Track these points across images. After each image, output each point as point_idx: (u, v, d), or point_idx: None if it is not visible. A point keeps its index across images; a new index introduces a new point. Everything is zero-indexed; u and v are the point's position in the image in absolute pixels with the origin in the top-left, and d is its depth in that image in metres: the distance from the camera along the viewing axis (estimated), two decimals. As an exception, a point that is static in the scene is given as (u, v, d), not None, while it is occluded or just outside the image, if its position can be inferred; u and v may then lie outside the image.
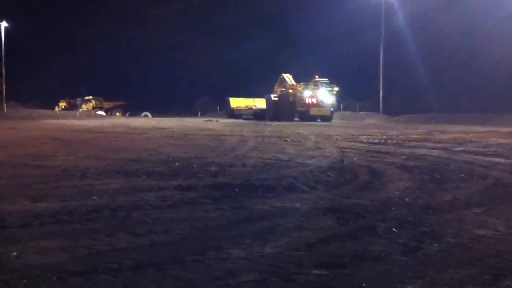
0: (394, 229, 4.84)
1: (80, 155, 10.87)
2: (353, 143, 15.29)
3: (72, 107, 65.87)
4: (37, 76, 75.13)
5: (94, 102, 66.27)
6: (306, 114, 41.33)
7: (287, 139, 16.69)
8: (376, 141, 16.46)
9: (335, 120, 42.31)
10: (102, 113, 61.15)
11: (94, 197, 6.18)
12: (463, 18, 46.17)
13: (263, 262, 3.85)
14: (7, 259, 3.85)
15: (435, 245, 4.36)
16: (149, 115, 59.31)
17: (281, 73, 46.54)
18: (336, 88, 42.44)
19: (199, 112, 63.90)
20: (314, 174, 8.29)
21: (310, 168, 9.06)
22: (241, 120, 41.97)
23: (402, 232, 4.77)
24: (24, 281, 3.42)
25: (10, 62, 58.49)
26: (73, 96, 69.76)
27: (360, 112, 49.99)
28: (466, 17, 45.65)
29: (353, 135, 19.86)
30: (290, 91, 43.56)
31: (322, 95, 41.67)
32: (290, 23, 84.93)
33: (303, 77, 44.54)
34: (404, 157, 11.09)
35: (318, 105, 41.46)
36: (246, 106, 50.30)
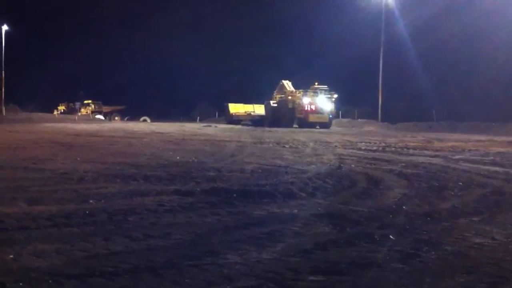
0: (391, 236, 4.84)
1: (78, 158, 10.87)
2: (351, 150, 15.30)
3: (71, 111, 65.76)
4: (36, 80, 75.04)
5: (93, 106, 66.24)
6: (304, 120, 41.34)
7: (285, 146, 16.69)
8: (375, 148, 16.47)
9: (334, 127, 42.30)
10: (101, 117, 61.09)
11: (91, 201, 6.18)
12: (465, 26, 46.26)
13: (260, 268, 3.85)
14: (4, 262, 3.85)
15: (432, 252, 4.36)
16: (148, 119, 59.25)
17: (281, 79, 46.60)
18: (335, 95, 42.49)
19: (198, 118, 63.88)
20: (312, 181, 8.29)
21: (308, 174, 9.06)
22: (240, 126, 41.97)
23: (399, 239, 4.77)
24: (21, 284, 3.42)
25: (10, 65, 58.61)
26: (73, 100, 69.70)
27: (359, 119, 49.93)
28: (468, 26, 45.74)
29: (352, 142, 19.86)
30: (289, 97, 43.60)
31: (321, 102, 41.71)
32: (290, 30, 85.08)
33: (303, 84, 44.61)
34: (402, 164, 11.09)
35: (317, 112, 41.48)
36: (245, 112, 50.29)
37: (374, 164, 11.07)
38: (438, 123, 41.21)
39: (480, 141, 22.05)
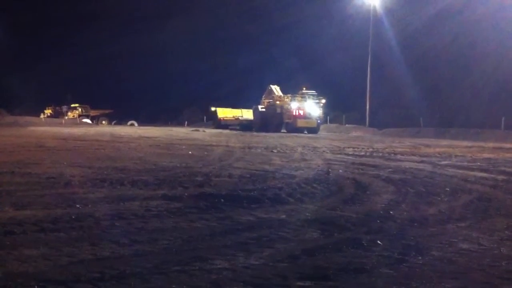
0: (378, 242, 4.85)
1: (65, 163, 10.80)
2: (339, 155, 15.34)
3: (57, 114, 65.36)
4: (24, 83, 74.58)
5: (80, 109, 65.87)
6: (293, 125, 41.44)
7: (273, 150, 16.70)
8: (362, 153, 16.53)
9: (322, 132, 42.42)
10: (88, 121, 60.81)
11: (78, 206, 6.13)
12: (454, 34, 46.58)
13: (247, 273, 3.84)
14: (-11, 267, 3.81)
15: (419, 258, 4.38)
16: (135, 123, 59.09)
17: (269, 84, 46.65)
18: (323, 100, 42.63)
19: (186, 122, 63.77)
20: (300, 186, 8.29)
21: (296, 179, 9.07)
22: (228, 131, 41.93)
23: (386, 244, 4.79)
24: (5, 289, 3.39)
25: (-4, 68, 58.24)
26: (60, 103, 69.30)
27: (347, 125, 50.14)
28: (457, 33, 46.06)
29: (339, 147, 19.92)
30: (278, 102, 43.66)
31: (309, 107, 41.83)
32: (279, 36, 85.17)
33: (291, 89, 44.72)
34: (390, 170, 11.14)
35: (305, 117, 41.59)
36: (233, 117, 50.28)
37: (362, 170, 11.10)
38: (426, 129, 41.44)
39: (468, 147, 22.21)
